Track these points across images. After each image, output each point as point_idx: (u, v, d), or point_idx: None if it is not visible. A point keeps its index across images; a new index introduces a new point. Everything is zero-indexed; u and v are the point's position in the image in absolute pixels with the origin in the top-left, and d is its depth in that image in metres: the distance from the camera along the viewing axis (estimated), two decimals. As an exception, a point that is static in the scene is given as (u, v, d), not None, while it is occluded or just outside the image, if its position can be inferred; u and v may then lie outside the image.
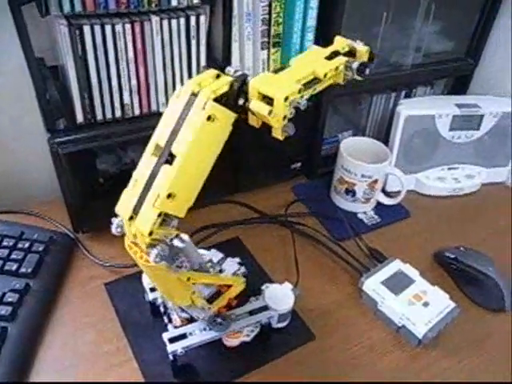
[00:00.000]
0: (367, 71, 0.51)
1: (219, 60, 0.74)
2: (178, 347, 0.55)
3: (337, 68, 0.50)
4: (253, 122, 0.48)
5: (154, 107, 0.72)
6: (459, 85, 1.01)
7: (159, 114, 0.71)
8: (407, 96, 0.95)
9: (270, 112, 0.44)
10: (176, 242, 0.45)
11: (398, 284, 0.68)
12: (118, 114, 0.69)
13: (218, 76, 0.46)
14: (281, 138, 0.47)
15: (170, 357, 0.55)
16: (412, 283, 0.69)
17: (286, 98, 0.44)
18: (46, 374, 0.58)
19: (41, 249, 0.69)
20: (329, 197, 0.89)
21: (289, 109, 0.45)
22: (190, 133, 0.43)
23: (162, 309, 0.60)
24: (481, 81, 0.99)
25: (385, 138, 0.91)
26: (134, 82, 0.68)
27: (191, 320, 0.58)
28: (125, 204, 0.45)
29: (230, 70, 0.47)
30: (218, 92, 0.44)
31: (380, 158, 0.82)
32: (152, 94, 0.70)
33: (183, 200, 0.44)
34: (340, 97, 0.80)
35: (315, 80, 0.49)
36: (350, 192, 0.83)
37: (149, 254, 0.44)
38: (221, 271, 0.62)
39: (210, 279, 0.55)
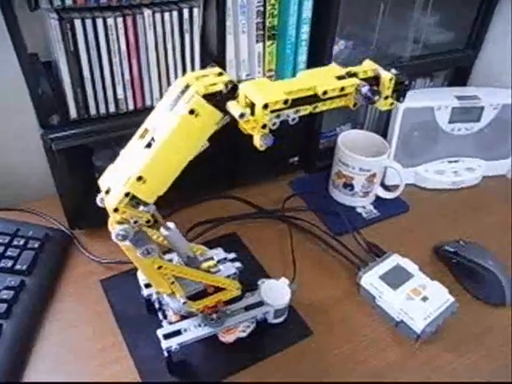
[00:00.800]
0: (376, 98, 0.47)
1: (214, 53, 0.73)
2: (172, 343, 0.55)
3: (343, 89, 0.46)
4: (240, 126, 0.45)
5: (148, 102, 0.71)
6: (459, 76, 1.00)
7: (154, 109, 0.72)
8: (406, 88, 0.94)
9: (242, 115, 0.42)
10: (162, 230, 0.46)
11: (396, 278, 0.67)
12: (112, 109, 0.69)
13: (220, 74, 0.45)
14: (258, 147, 0.44)
15: (165, 353, 0.55)
16: (411, 278, 0.68)
17: (266, 106, 0.42)
18: (41, 371, 0.58)
19: (36, 246, 0.69)
20: (327, 191, 0.88)
21: (269, 118, 0.43)
22: (171, 122, 0.43)
23: (156, 305, 0.60)
24: (481, 72, 0.98)
25: (383, 132, 0.90)
26: (127, 76, 0.67)
27: (186, 316, 0.58)
28: (106, 178, 0.46)
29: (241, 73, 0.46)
30: (210, 89, 0.43)
31: (378, 152, 0.81)
32: (146, 89, 0.70)
33: (153, 186, 0.44)
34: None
35: (315, 97, 0.45)
36: (349, 186, 0.82)
37: (112, 231, 0.45)
38: (213, 271, 0.60)
39: (195, 276, 0.53)
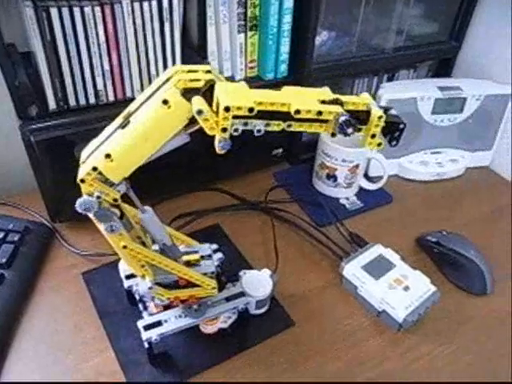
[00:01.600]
0: (349, 130, 0.44)
1: (195, 45, 0.73)
2: (152, 334, 0.54)
3: (320, 113, 0.44)
4: (200, 123, 0.44)
5: (128, 93, 0.70)
6: (443, 68, 1.00)
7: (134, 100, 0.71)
8: (390, 80, 0.94)
9: (200, 112, 0.41)
10: (138, 213, 0.47)
11: (378, 268, 0.68)
12: (92, 100, 0.68)
13: (208, 72, 0.45)
14: (217, 150, 0.44)
15: (145, 344, 0.55)
16: (393, 267, 0.68)
17: (228, 109, 0.41)
18: (22, 364, 0.57)
19: (16, 238, 0.68)
20: (310, 183, 0.88)
21: (231, 123, 0.42)
22: (146, 109, 0.44)
23: (137, 296, 0.59)
24: (465, 64, 0.99)
25: (367, 123, 0.90)
26: (106, 67, 0.66)
27: (167, 307, 0.58)
28: (86, 150, 0.47)
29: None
30: (189, 84, 0.43)
31: (362, 143, 0.81)
32: (126, 80, 0.69)
33: (119, 166, 0.45)
34: (320, 81, 0.79)
35: (288, 114, 0.44)
36: (332, 177, 0.82)
37: None
38: (195, 265, 0.58)
39: (165, 265, 0.52)
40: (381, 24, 0.86)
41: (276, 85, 0.79)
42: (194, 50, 0.74)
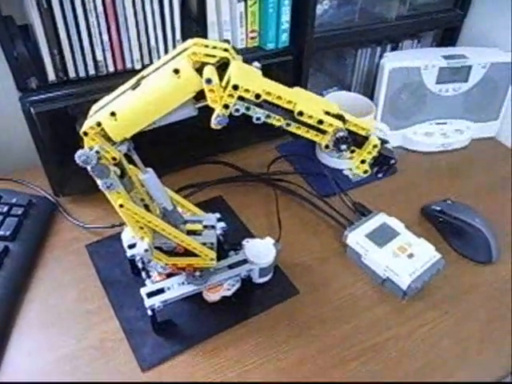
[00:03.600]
0: (343, 147, 0.45)
1: (194, 14, 0.72)
2: (155, 301, 0.55)
3: (321, 122, 0.44)
4: (205, 92, 0.44)
5: (128, 64, 0.69)
6: (448, 37, 0.99)
7: (134, 71, 0.70)
8: (393, 50, 0.93)
9: (209, 81, 0.41)
10: (139, 174, 0.48)
11: (382, 236, 0.67)
12: (92, 71, 0.67)
13: (225, 50, 0.45)
14: (211, 123, 0.44)
15: (149, 311, 0.55)
16: (397, 235, 0.68)
17: (236, 87, 0.41)
18: (28, 334, 0.58)
19: (20, 212, 0.68)
20: (314, 154, 0.87)
21: (234, 101, 0.42)
22: (158, 75, 0.44)
23: (140, 265, 0.60)
24: (470, 33, 0.97)
25: (371, 95, 0.89)
26: (105, 37, 0.65)
27: (170, 275, 0.58)
28: (95, 105, 0.48)
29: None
30: (203, 58, 0.43)
31: (365, 113, 0.80)
32: (126, 51, 0.68)
33: (121, 125, 0.45)
34: (322, 51, 0.78)
35: (290, 112, 0.44)
36: (335, 148, 0.81)
37: None
38: (196, 234, 0.58)
39: (162, 229, 0.52)
40: (384, -9, 0.84)
41: (277, 55, 0.78)
42: (194, 20, 0.73)
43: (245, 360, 0.56)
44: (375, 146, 0.47)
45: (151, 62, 0.70)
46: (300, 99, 0.44)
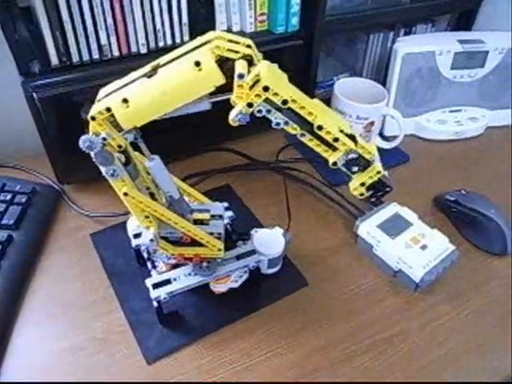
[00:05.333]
0: (354, 169, 0.47)
1: (201, -4, 0.70)
2: (161, 293, 0.53)
3: (336, 140, 0.45)
4: (234, 87, 0.43)
5: (133, 48, 0.67)
6: (463, 21, 0.96)
7: (140, 55, 0.68)
8: (406, 35, 0.90)
9: (241, 76, 0.40)
10: (146, 161, 0.46)
11: (394, 227, 0.65)
12: (96, 55, 0.65)
13: (248, 46, 0.43)
14: (230, 119, 0.43)
15: (154, 303, 0.54)
16: (409, 226, 0.66)
17: (267, 88, 0.40)
18: (30, 325, 0.57)
19: (23, 200, 0.67)
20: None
21: (260, 101, 0.41)
22: (177, 66, 0.42)
23: (145, 255, 0.58)
24: (487, 17, 0.93)
25: (383, 81, 0.86)
26: (109, 20, 0.63)
27: (176, 266, 0.56)
28: (104, 89, 0.46)
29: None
30: (226, 53, 0.42)
31: (377, 100, 0.77)
32: (131, 34, 0.66)
33: (132, 113, 0.43)
34: (333, 35, 0.75)
35: (309, 124, 0.44)
36: (346, 136, 0.79)
37: None
38: (203, 223, 0.56)
39: (167, 218, 0.50)
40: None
41: (287, 39, 0.76)
42: (201, 3, 0.70)
43: (253, 353, 0.55)
44: (379, 172, 0.48)
45: (157, 47, 0.69)
46: (319, 113, 0.44)
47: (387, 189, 0.50)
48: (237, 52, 0.42)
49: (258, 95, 0.41)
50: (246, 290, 0.60)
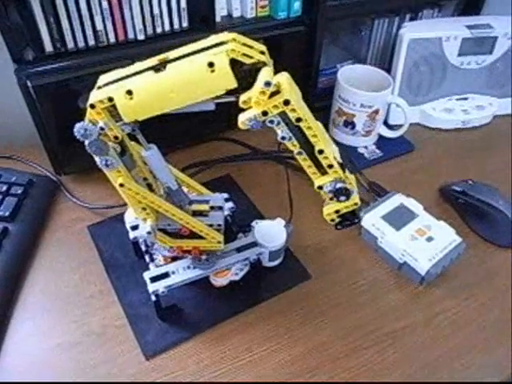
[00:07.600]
0: (341, 198, 0.47)
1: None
2: (159, 286, 0.52)
3: (331, 167, 0.45)
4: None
5: (130, 34, 0.65)
6: (471, 6, 0.92)
7: (137, 42, 0.66)
8: (412, 20, 0.87)
9: (268, 83, 0.39)
10: (142, 151, 0.45)
11: (399, 219, 0.64)
12: (91, 41, 0.63)
13: (262, 52, 0.42)
14: (239, 122, 0.42)
15: (152, 297, 0.52)
16: (415, 218, 0.64)
17: (287, 102, 0.39)
18: (27, 318, 0.56)
19: (19, 191, 0.66)
20: (327, 131, 0.83)
21: (276, 113, 0.40)
22: (188, 64, 0.41)
23: (143, 247, 0.57)
24: (496, 0, 0.90)
25: (388, 68, 0.84)
26: (105, 5, 0.61)
27: (175, 259, 0.55)
28: (105, 76, 0.44)
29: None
30: (240, 57, 0.41)
31: (381, 87, 0.75)
32: (127, 20, 0.64)
33: (136, 106, 0.41)
34: (336, 21, 0.73)
35: (310, 145, 0.43)
36: (350, 124, 0.77)
37: None
38: (202, 215, 0.55)
39: (164, 209, 0.49)
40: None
41: (289, 24, 0.74)
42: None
43: (254, 347, 0.54)
44: (355, 204, 0.49)
45: (155, 33, 0.66)
46: (321, 136, 0.43)
47: (355, 220, 0.51)
48: (251, 57, 0.41)
49: (275, 106, 0.40)
50: (247, 284, 0.58)
